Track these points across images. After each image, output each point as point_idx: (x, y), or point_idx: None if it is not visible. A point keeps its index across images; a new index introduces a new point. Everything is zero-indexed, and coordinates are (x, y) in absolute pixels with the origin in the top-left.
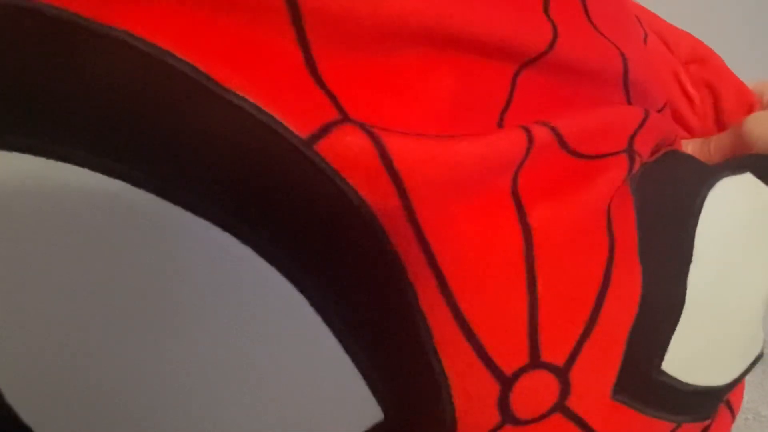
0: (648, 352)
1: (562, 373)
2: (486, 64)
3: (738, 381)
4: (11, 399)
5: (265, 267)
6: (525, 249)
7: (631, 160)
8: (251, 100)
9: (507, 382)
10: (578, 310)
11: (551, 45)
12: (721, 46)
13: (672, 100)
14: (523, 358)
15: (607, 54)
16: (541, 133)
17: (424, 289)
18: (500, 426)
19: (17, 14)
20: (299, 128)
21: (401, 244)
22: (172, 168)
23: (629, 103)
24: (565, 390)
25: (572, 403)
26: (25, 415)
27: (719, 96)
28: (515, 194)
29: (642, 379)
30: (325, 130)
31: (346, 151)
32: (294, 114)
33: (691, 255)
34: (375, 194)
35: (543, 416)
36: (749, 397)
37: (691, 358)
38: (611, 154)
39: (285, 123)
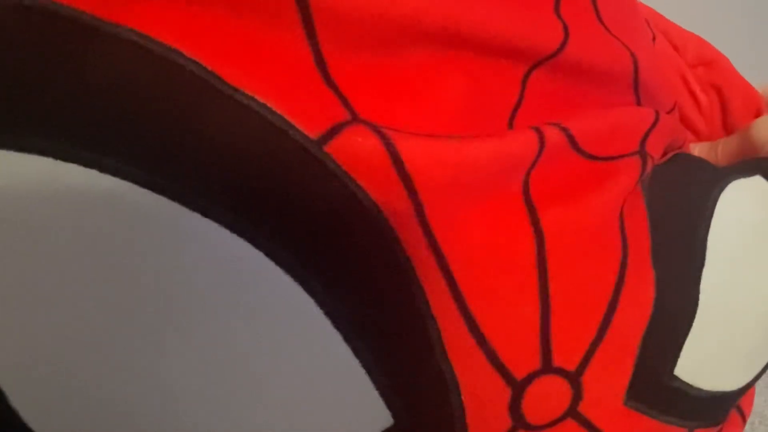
0: (661, 358)
1: (574, 378)
2: (497, 65)
3: (750, 386)
4: (15, 403)
5: (274, 269)
6: (537, 253)
7: (644, 161)
8: (260, 99)
9: (518, 387)
10: (591, 314)
11: (562, 45)
12: (725, 47)
13: (679, 103)
14: (535, 363)
15: (618, 55)
16: (552, 135)
17: (434, 293)
18: (512, 431)
19: (25, 13)
20: (309, 129)
21: (412, 247)
22: (180, 168)
23: (639, 104)
24: (577, 395)
25: (584, 408)
26: (30, 419)
27: (727, 99)
28: (527, 196)
29: (655, 384)
30: (335, 131)
31: (356, 152)
32: (304, 114)
33: (704, 259)
34: (385, 196)
35: (555, 422)
36: (756, 401)
37: (703, 363)
38: (623, 156)
39: (295, 123)
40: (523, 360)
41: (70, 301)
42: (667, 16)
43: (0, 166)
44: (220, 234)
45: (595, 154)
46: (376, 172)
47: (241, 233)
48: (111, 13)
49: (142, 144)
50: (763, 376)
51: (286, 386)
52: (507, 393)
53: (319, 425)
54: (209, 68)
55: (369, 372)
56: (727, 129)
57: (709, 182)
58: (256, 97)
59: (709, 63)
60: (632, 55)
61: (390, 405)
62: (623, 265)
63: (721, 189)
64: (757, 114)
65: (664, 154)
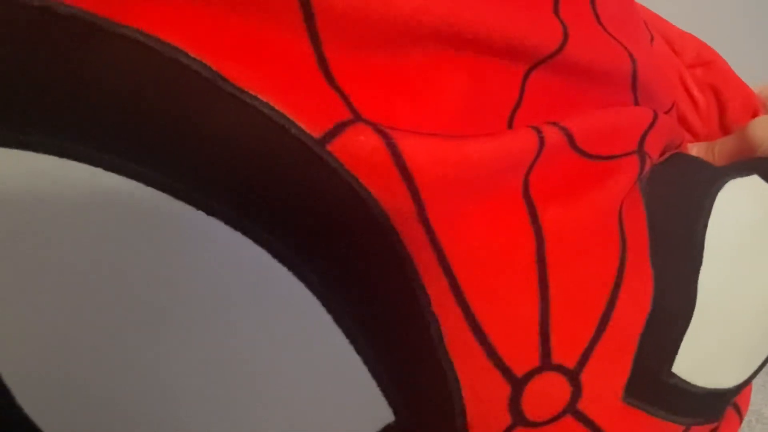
0: (659, 355)
1: (573, 376)
2: (497, 65)
3: (747, 383)
4: (22, 401)
5: (276, 266)
6: (537, 251)
7: (642, 161)
8: (263, 98)
9: (518, 384)
10: (590, 312)
11: (562, 45)
12: (722, 47)
13: (677, 103)
14: (535, 360)
15: (616, 55)
16: (552, 134)
17: (436, 291)
18: (512, 428)
19: (31, 13)
20: (312, 127)
21: (413, 245)
22: (184, 166)
23: (637, 104)
24: (576, 392)
25: (583, 405)
26: (36, 417)
27: (724, 99)
28: (527, 195)
29: (653, 381)
30: (337, 130)
31: (358, 151)
32: (306, 113)
33: (701, 257)
34: (387, 194)
35: (554, 419)
36: (753, 399)
37: (701, 360)
38: (622, 155)
39: (297, 122)
40: (522, 357)
41: (72, 299)
42: (667, 18)
43: (2, 163)
44: (223, 232)
45: (594, 153)
46: (378, 171)
47: (244, 231)
48: (115, 13)
49: (146, 142)
50: (762, 376)
51: (287, 383)
52: (507, 390)
53: (321, 422)
54: (213, 67)
55: (370, 368)
56: (725, 129)
57: (706, 182)
58: (259, 96)
59: (706, 64)
60: (630, 55)
61: (391, 401)
62: (622, 262)
63: (719, 188)
64: (754, 114)
65: (663, 153)
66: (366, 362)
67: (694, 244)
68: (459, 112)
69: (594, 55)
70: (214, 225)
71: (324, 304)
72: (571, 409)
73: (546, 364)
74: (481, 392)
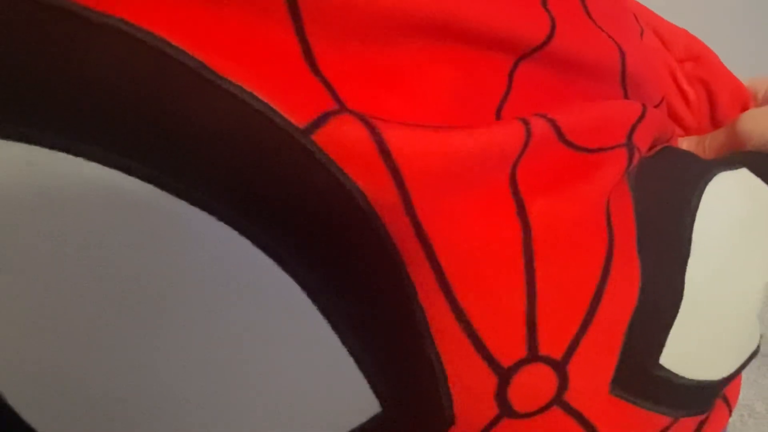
0: (646, 347)
1: (560, 367)
2: (484, 56)
3: (735, 375)
4: (13, 401)
5: (262, 258)
6: (524, 242)
7: (630, 153)
8: (247, 88)
9: (505, 375)
10: (576, 304)
11: (549, 37)
12: (717, 41)
13: (667, 97)
14: (521, 351)
15: (605, 47)
16: (539, 126)
17: (422, 282)
18: (498, 418)
19: (14, 2)
20: (296, 117)
21: (399, 237)
22: (169, 157)
23: (626, 97)
24: (563, 384)
25: (570, 397)
26: (28, 417)
27: (714, 93)
28: (514, 187)
29: (640, 373)
30: (322, 120)
31: (343, 142)
32: (291, 103)
33: (689, 249)
34: (373, 185)
35: (541, 410)
36: (744, 394)
37: (688, 352)
38: (610, 148)
39: (281, 112)
40: (509, 348)
41: (66, 296)
42: (665, 15)
43: None
44: (207, 223)
45: (582, 146)
46: (363, 162)
47: (229, 222)
48: (99, 3)
49: (129, 132)
50: (754, 371)
51: (272, 375)
52: (493, 381)
53: (307, 413)
54: (196, 57)
55: (357, 360)
56: (715, 123)
57: (695, 175)
58: (243, 85)
59: (696, 58)
60: (620, 48)
61: (378, 392)
62: (609, 255)
63: (707, 181)
64: (744, 108)
65: (652, 147)
66: (352, 353)
67: (681, 238)
68: (447, 103)
69: (582, 47)
70: (198, 215)
71: (310, 296)
72: (558, 400)
73: (533, 355)
74: (467, 383)
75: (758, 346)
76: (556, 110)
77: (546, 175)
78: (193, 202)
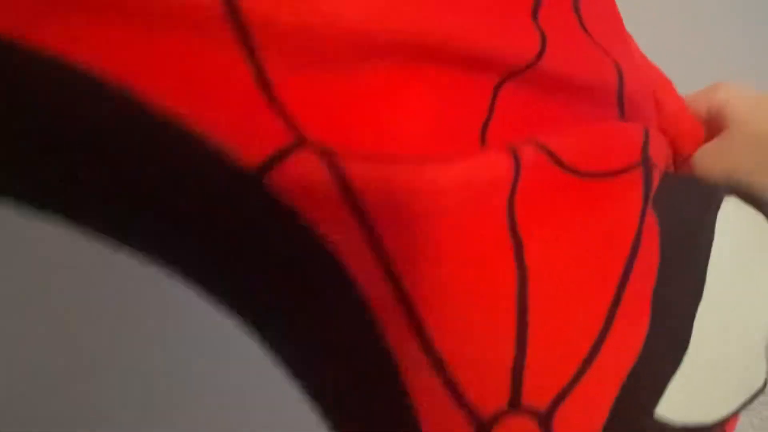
0: (643, 398)
1: (544, 419)
2: (465, 77)
3: (736, 413)
4: None
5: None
6: (518, 289)
7: (648, 172)
8: (192, 126)
9: (483, 427)
10: (572, 354)
11: (538, 56)
12: (724, 47)
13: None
14: (503, 403)
15: (601, 65)
16: (528, 153)
17: (394, 328)
18: None
19: None
20: (248, 156)
21: (366, 279)
22: (116, 203)
23: (623, 119)
24: None
25: None
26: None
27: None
28: (512, 222)
29: (632, 424)
30: (277, 158)
31: (300, 181)
32: (242, 140)
33: (702, 291)
34: (332, 227)
35: None
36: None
37: (688, 399)
38: (623, 170)
39: (230, 151)
40: (490, 399)
41: (54, 301)
42: (666, 17)
43: None
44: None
45: (585, 170)
46: (321, 202)
47: (181, 272)
48: (34, 35)
49: (70, 170)
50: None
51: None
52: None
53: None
54: (136, 92)
55: (325, 409)
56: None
57: (708, 200)
58: (188, 122)
59: (660, 103)
60: (617, 65)
61: None
62: (617, 296)
63: (717, 209)
64: (688, 132)
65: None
66: (317, 399)
67: (697, 277)
68: (423, 129)
69: (575, 66)
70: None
71: (270, 348)
72: None
73: (516, 407)
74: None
75: (765, 383)
76: (547, 133)
77: (548, 207)
78: (138, 249)
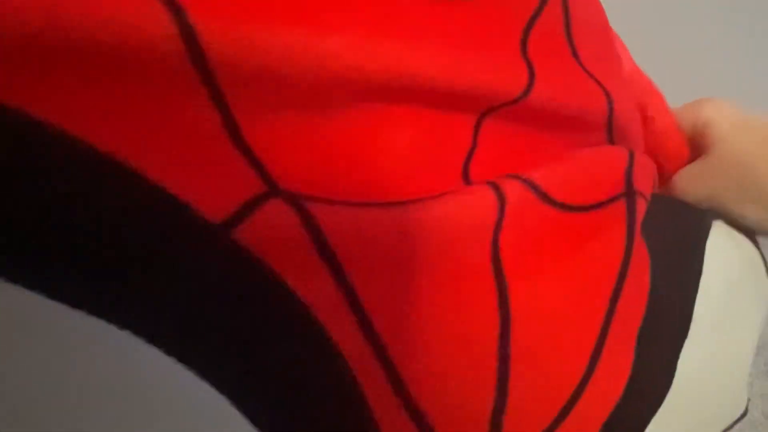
0: None
1: None
2: (446, 115)
3: None
4: None
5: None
6: (501, 338)
7: (631, 203)
8: (153, 182)
9: None
10: (552, 402)
11: (526, 91)
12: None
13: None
14: None
15: (592, 95)
16: (513, 188)
17: (373, 384)
18: None
19: None
20: (213, 211)
21: (341, 336)
22: (76, 267)
23: (610, 142)
24: None
25: None
26: None
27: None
28: (497, 265)
29: None
30: (246, 210)
31: (270, 232)
32: (206, 194)
33: (688, 329)
34: (305, 282)
35: None
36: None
37: (669, 431)
38: (607, 202)
39: (194, 206)
40: None
41: None
42: (659, 20)
43: None
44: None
45: (572, 204)
46: (293, 254)
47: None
48: None
49: (21, 229)
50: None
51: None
52: None
53: None
54: (96, 147)
55: None
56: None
57: (698, 226)
58: (149, 178)
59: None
60: (607, 94)
61: None
62: (601, 340)
63: (707, 234)
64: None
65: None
66: None
67: (684, 314)
68: (402, 170)
69: (565, 96)
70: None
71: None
72: None
73: None
74: None
75: (745, 410)
76: (534, 166)
77: (534, 245)
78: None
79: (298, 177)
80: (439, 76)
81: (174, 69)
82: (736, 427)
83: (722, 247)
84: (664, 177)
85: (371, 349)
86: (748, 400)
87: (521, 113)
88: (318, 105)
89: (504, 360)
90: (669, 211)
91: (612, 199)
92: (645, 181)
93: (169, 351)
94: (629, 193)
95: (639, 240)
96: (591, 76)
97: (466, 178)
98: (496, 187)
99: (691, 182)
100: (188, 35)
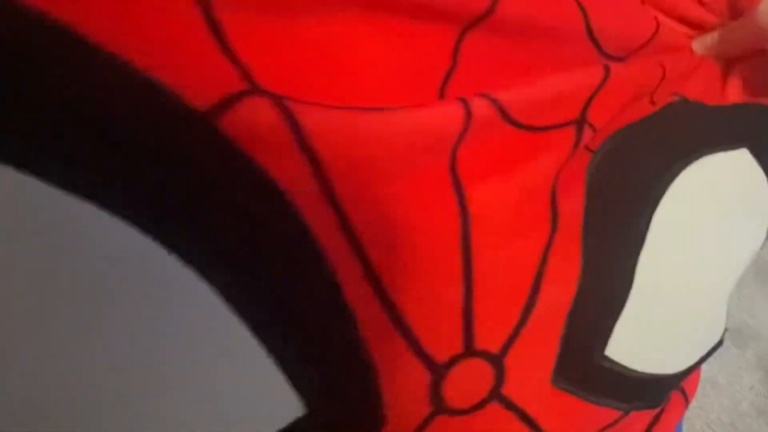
0: (589, 337)
1: (497, 361)
2: (425, 29)
3: (694, 368)
4: None
5: (172, 261)
6: (462, 234)
7: (579, 131)
8: (138, 66)
9: (439, 371)
10: (516, 292)
11: (493, 3)
12: None
13: (677, 7)
14: (457, 347)
15: (561, 7)
16: (481, 107)
17: (349, 278)
18: (432, 416)
19: None
20: (196, 99)
21: (321, 229)
22: (60, 145)
23: (601, 50)
24: (500, 377)
25: (509, 390)
26: None
27: None
28: (455, 174)
29: (584, 364)
30: (228, 103)
31: (252, 126)
32: (189, 83)
33: (643, 240)
34: (285, 173)
35: (478, 405)
36: (706, 368)
37: (639, 344)
38: (559, 126)
39: (177, 92)
40: (444, 344)
41: None
42: None
43: None
44: (116, 228)
45: (528, 124)
46: (275, 148)
47: (134, 220)
48: None
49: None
50: None
51: (188, 379)
52: (427, 378)
53: (226, 416)
54: (78, 31)
55: (279, 359)
56: (734, 13)
57: (668, 159)
58: (134, 63)
59: None
60: (579, 4)
61: (303, 394)
62: (550, 241)
63: (686, 164)
64: None
65: (625, 110)
66: (273, 353)
67: (636, 226)
68: (378, 82)
69: (534, 10)
70: (107, 221)
71: (227, 298)
72: (496, 395)
73: (469, 350)
74: (399, 381)
75: (722, 338)
76: (504, 87)
77: (489, 159)
78: (88, 196)
79: (278, 78)
80: None
81: None
82: (725, 418)
83: (716, 172)
84: (737, 10)
85: (347, 243)
86: (726, 330)
87: (496, 28)
88: (299, 9)
89: (467, 252)
90: (650, 133)
91: (564, 124)
92: (605, 109)
93: (161, 238)
94: (580, 121)
95: (579, 163)
96: None
97: (442, 95)
98: (466, 103)
99: None
100: None
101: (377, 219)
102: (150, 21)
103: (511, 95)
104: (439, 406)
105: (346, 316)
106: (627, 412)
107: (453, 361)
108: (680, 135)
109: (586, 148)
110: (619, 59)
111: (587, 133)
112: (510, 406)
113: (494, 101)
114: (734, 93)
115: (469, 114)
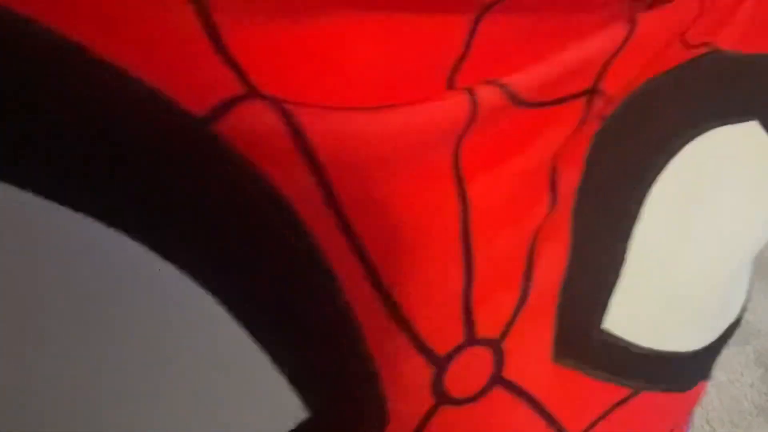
0: (585, 310)
1: (496, 345)
2: (432, 20)
3: (714, 349)
4: None
5: (168, 267)
6: (462, 226)
7: (589, 102)
8: (132, 73)
9: (441, 363)
10: (513, 277)
11: None
12: None
13: None
14: (458, 337)
15: None
16: (489, 94)
17: (350, 279)
18: (435, 408)
19: None
20: (192, 105)
21: (321, 231)
22: (50, 154)
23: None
24: (499, 360)
25: (510, 372)
26: None
27: None
28: (457, 166)
29: (583, 338)
30: (225, 107)
31: (250, 130)
32: (184, 88)
33: (637, 212)
34: (285, 177)
35: (481, 392)
36: None
37: (639, 317)
38: (569, 98)
39: (172, 98)
40: (446, 337)
41: None
42: None
43: None
44: (110, 236)
45: (535, 101)
46: (273, 151)
47: (125, 227)
48: None
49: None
50: None
51: (184, 383)
52: (429, 372)
53: (225, 421)
54: (70, 37)
55: (279, 362)
56: None
57: (669, 132)
58: (128, 70)
59: None
60: None
61: (304, 397)
62: (543, 222)
63: (689, 138)
64: None
65: (668, 61)
66: (272, 355)
67: (629, 198)
68: (380, 80)
69: None
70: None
71: (225, 303)
72: (498, 379)
73: (470, 339)
74: (402, 378)
75: (739, 317)
76: (517, 68)
77: (492, 145)
78: (75, 205)
79: (276, 81)
80: None
81: None
82: (725, 416)
83: (723, 147)
84: None
85: (347, 244)
86: (744, 309)
87: (513, 6)
88: (297, 11)
89: (467, 242)
90: (657, 102)
91: (574, 96)
92: (623, 72)
93: (155, 246)
94: (592, 92)
95: (587, 132)
96: None
97: (451, 85)
98: (472, 94)
99: None
100: None
101: (377, 218)
102: (144, 25)
103: (522, 76)
104: (441, 398)
105: (346, 317)
106: (637, 391)
107: (454, 352)
108: (689, 103)
109: (599, 114)
110: None
111: (599, 103)
112: (513, 388)
113: (504, 87)
114: None
115: (474, 104)
